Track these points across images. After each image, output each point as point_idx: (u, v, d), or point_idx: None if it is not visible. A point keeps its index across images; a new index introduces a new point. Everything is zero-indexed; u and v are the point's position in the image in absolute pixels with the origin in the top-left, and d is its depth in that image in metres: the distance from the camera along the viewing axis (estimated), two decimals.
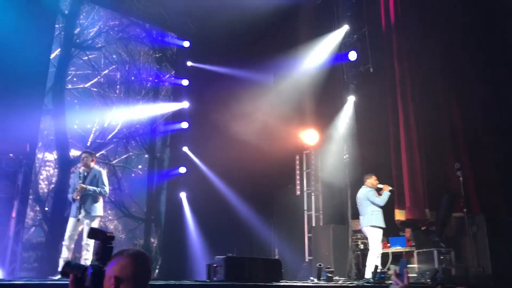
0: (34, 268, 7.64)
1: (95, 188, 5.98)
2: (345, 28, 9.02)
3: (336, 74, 9.06)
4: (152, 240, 9.70)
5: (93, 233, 1.85)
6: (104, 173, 6.23)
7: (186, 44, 11.14)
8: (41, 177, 8.13)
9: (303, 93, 9.23)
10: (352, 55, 8.72)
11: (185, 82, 11.01)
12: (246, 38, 9.70)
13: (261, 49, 9.55)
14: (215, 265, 5.02)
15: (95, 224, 6.03)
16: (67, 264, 1.82)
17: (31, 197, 7.92)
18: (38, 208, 7.94)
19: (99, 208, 6.05)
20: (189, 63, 11.06)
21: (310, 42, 9.21)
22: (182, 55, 11.19)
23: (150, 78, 10.40)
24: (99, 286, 1.76)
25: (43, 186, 8.11)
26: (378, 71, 8.36)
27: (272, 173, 9.67)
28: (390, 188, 6.85)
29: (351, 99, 8.75)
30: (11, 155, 8.00)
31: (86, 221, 5.91)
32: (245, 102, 9.20)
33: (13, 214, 7.70)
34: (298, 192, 9.45)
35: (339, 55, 9.01)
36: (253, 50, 9.78)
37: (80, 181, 5.95)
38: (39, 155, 8.19)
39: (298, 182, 9.49)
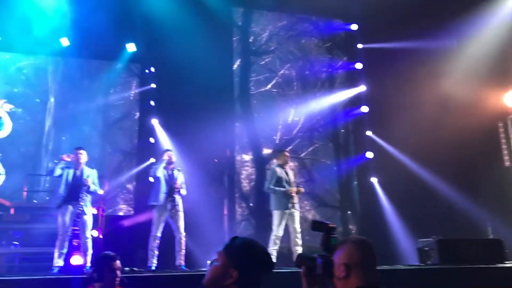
0: None
1: None
2: None
3: None
4: (350, 227, 9.80)
5: (316, 225, 1.93)
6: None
7: (354, 27, 10.90)
8: (242, 176, 9.00)
9: (503, 49, 8.07)
10: None
11: (358, 66, 10.79)
12: (418, 5, 8.99)
13: (437, 14, 8.72)
14: (426, 248, 4.78)
15: (299, 215, 6.43)
16: (300, 256, 1.94)
17: (237, 195, 8.85)
18: (244, 205, 8.81)
19: None
20: (359, 46, 10.80)
21: None
22: (351, 39, 10.99)
23: (324, 69, 10.52)
24: (329, 274, 1.82)
25: (245, 185, 8.97)
26: None
27: (472, 146, 8.73)
28: None
29: None
30: (215, 160, 9.07)
31: (293, 213, 6.36)
32: (427, 74, 8.53)
33: (225, 212, 8.71)
34: (507, 163, 8.34)
35: None
36: (428, 16, 8.99)
37: (287, 177, 6.45)
38: (238, 157, 9.09)
39: (505, 152, 8.36)
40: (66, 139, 9.78)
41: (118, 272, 3.25)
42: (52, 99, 9.87)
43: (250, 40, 9.93)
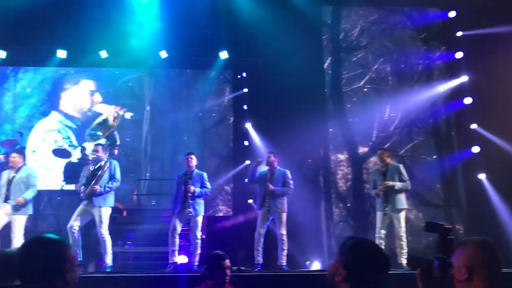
0: None
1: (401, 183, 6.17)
2: None
3: None
4: (457, 227, 9.18)
5: (430, 227, 1.86)
6: (402, 166, 6.39)
7: (452, 14, 10.20)
8: (338, 176, 8.88)
9: None
10: None
11: (459, 55, 10.06)
12: None
13: None
14: None
15: (403, 216, 6.17)
16: (413, 257, 1.87)
17: (333, 195, 8.76)
18: (341, 205, 8.68)
19: (403, 200, 6.19)
20: (459, 34, 10.08)
21: None
22: (449, 27, 10.29)
23: (420, 61, 10.00)
24: (446, 276, 1.75)
25: (341, 185, 8.83)
26: None
27: None
28: None
29: None
30: (309, 160, 9.06)
31: (394, 214, 6.13)
32: None
33: (322, 213, 8.66)
34: None
35: None
36: None
37: (381, 177, 6.24)
38: (332, 157, 8.99)
39: None
40: (169, 145, 10.42)
41: (228, 271, 3.40)
42: (152, 109, 10.59)
43: (340, 37, 9.79)
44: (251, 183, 6.77)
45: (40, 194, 8.08)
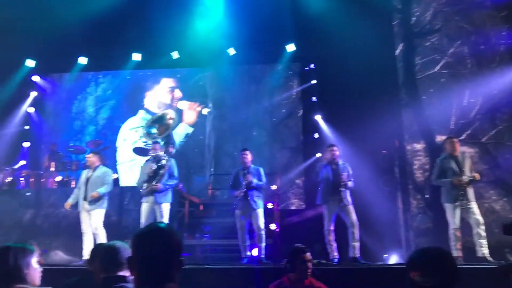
0: None
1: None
2: None
3: None
4: None
5: (509, 229, 1.73)
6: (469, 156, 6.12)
7: None
8: (415, 167, 8.53)
9: None
10: None
11: None
12: None
13: None
14: None
15: (477, 206, 5.87)
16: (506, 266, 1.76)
17: (410, 186, 8.43)
18: (419, 197, 8.34)
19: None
20: None
21: None
22: None
23: (502, 41, 9.29)
24: None
25: (418, 175, 8.48)
26: None
27: None
28: None
29: None
30: (384, 151, 8.80)
31: (471, 204, 5.86)
32: None
33: (399, 205, 8.39)
34: None
35: None
36: None
37: (455, 166, 5.98)
38: (408, 147, 8.64)
39: None
40: (239, 140, 10.60)
41: (309, 264, 3.41)
42: (221, 105, 10.82)
43: (412, 22, 9.33)
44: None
45: (124, 190, 8.62)
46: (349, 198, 6.30)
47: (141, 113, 10.99)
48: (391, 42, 9.24)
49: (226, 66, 10.58)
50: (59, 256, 7.98)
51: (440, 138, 8.30)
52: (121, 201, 8.28)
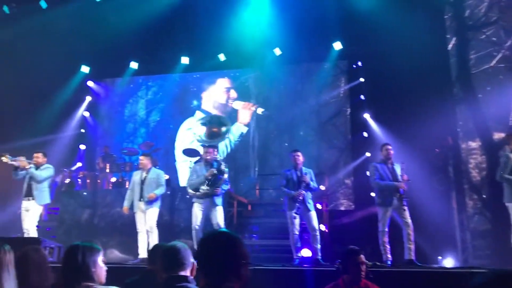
0: (486, 255, 7.67)
1: None
2: None
3: None
4: None
5: None
6: None
7: None
8: (470, 166, 8.19)
9: None
10: None
11: None
12: None
13: None
14: None
15: None
16: None
17: (465, 186, 8.10)
18: (475, 197, 8.00)
19: None
20: None
21: None
22: None
23: None
24: None
25: (474, 175, 8.13)
26: None
27: None
28: None
29: None
30: (437, 150, 8.51)
31: None
32: None
33: (454, 205, 8.07)
34: None
35: None
36: None
37: None
38: (463, 145, 8.31)
39: None
40: (286, 140, 10.59)
41: (363, 266, 3.35)
42: (268, 105, 10.84)
43: (466, 15, 8.96)
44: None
45: (174, 190, 8.82)
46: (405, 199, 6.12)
47: (197, 113, 11.20)
48: (443, 36, 8.92)
49: (272, 65, 10.62)
50: (115, 254, 8.28)
51: (498, 135, 7.92)
52: (172, 201, 8.48)
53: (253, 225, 8.48)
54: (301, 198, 6.23)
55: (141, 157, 7.15)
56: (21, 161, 6.73)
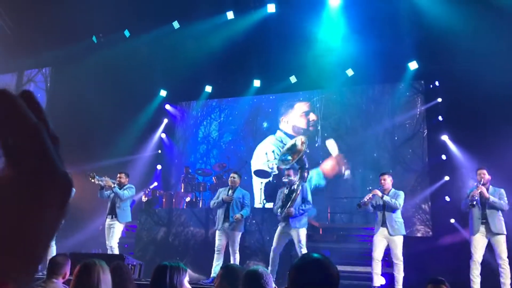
0: None
1: None
2: None
3: None
4: None
5: None
6: None
7: None
8: None
9: None
10: None
11: None
12: None
13: None
14: None
15: None
16: None
17: None
18: None
19: None
20: None
21: None
22: None
23: None
24: None
25: None
26: None
27: None
28: None
29: None
30: None
31: None
32: None
33: None
34: None
35: None
36: None
37: None
38: None
39: None
40: (358, 162, 10.34)
41: None
42: (340, 127, 10.68)
43: None
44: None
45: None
46: (503, 226, 5.73)
47: (278, 133, 11.30)
48: None
49: (344, 86, 10.51)
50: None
51: None
52: (244, 222, 8.56)
53: (324, 249, 8.30)
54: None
55: (234, 175, 7.03)
56: (107, 181, 7.17)
